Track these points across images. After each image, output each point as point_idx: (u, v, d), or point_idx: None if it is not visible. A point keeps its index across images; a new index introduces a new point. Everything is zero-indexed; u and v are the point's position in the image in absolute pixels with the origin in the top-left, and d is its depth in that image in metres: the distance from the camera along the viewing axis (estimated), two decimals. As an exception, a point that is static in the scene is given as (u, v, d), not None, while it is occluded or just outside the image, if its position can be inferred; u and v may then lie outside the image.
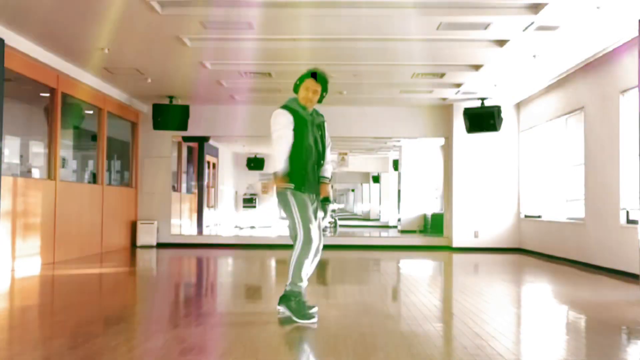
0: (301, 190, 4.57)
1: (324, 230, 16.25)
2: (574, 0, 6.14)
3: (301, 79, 4.70)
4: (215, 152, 18.09)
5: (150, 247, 11.72)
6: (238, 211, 21.65)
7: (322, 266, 8.88)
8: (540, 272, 8.52)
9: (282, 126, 4.57)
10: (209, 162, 17.20)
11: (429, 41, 7.61)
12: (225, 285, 7.33)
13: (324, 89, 4.72)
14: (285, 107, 4.67)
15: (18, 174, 8.37)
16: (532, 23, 6.77)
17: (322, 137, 4.77)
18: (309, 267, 4.61)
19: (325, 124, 4.86)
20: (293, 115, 4.61)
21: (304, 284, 4.59)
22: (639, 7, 6.29)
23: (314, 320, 4.46)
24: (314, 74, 4.68)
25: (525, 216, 11.62)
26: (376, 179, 25.17)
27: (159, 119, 11.09)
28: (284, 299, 4.57)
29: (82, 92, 9.63)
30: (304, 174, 4.59)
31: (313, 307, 4.76)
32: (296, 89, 4.72)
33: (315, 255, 4.71)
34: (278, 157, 4.55)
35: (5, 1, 6.32)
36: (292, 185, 4.56)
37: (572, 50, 8.06)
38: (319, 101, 4.74)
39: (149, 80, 9.86)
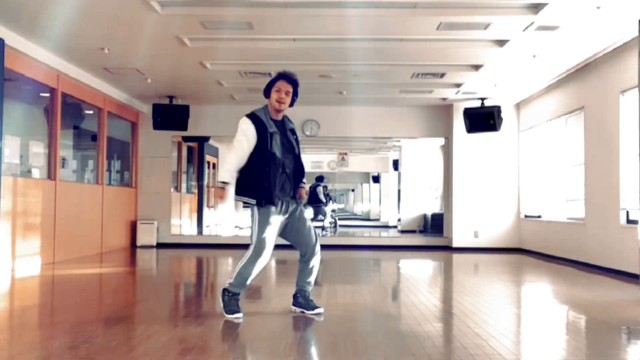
0: (264, 205, 4.56)
1: (324, 229, 16.15)
2: (574, 0, 6.14)
3: (271, 83, 4.68)
4: (215, 152, 18.08)
5: (150, 247, 11.72)
6: (238, 211, 21.63)
7: (322, 266, 8.87)
8: (540, 272, 8.51)
9: (241, 136, 4.57)
10: (209, 162, 17.19)
11: (429, 41, 7.62)
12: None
13: (295, 92, 4.71)
14: (251, 114, 4.67)
15: (18, 174, 8.37)
16: (532, 23, 6.77)
17: (297, 142, 4.79)
18: (253, 275, 4.68)
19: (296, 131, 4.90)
20: (256, 125, 4.59)
21: (244, 288, 4.72)
22: (639, 7, 6.29)
23: (237, 315, 4.61)
24: (284, 76, 4.67)
25: (525, 216, 11.62)
26: (376, 179, 25.17)
27: (159, 119, 11.09)
28: (223, 291, 4.73)
29: (82, 92, 9.64)
30: (269, 185, 4.54)
31: (318, 307, 4.81)
32: (267, 93, 4.70)
33: (311, 257, 4.80)
34: (226, 167, 4.59)
35: (6, 1, 6.32)
36: (253, 201, 4.57)
37: (572, 50, 8.07)
38: (291, 105, 4.74)
39: (149, 80, 9.86)
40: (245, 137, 4.58)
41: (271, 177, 4.54)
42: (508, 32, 7.20)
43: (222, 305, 4.72)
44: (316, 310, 4.79)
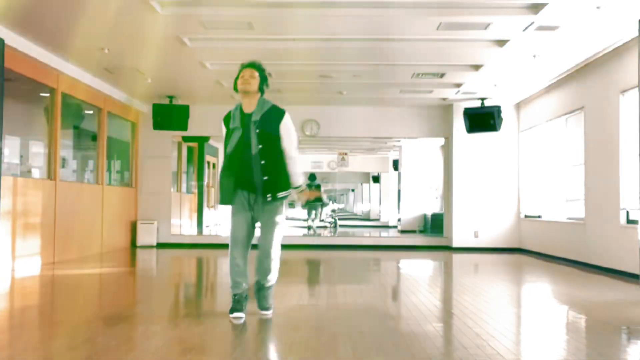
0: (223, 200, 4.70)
1: (325, 228, 16.17)
2: (574, 0, 6.14)
3: (237, 76, 4.70)
4: (215, 152, 18.08)
5: (150, 247, 11.72)
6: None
7: (322, 266, 8.87)
8: (540, 272, 8.52)
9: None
10: (209, 162, 17.19)
11: (429, 41, 7.61)
12: (225, 285, 7.31)
13: (262, 76, 4.68)
14: (228, 114, 4.74)
15: (18, 174, 8.37)
16: (532, 23, 6.77)
17: (260, 135, 4.54)
18: (236, 268, 4.63)
19: (283, 120, 4.63)
20: (226, 125, 4.71)
21: (238, 286, 4.63)
22: (639, 7, 6.29)
23: (236, 315, 4.56)
24: (246, 65, 4.70)
25: (525, 216, 11.62)
26: (376, 179, 25.17)
27: (159, 119, 11.09)
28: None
29: (82, 92, 9.64)
30: (223, 182, 4.64)
31: (268, 310, 4.72)
32: (235, 87, 4.70)
33: (260, 256, 4.67)
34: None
35: (6, 1, 6.32)
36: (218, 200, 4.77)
37: (572, 50, 8.06)
38: (261, 90, 4.66)
39: (149, 80, 9.86)
40: (222, 134, 4.79)
41: (223, 174, 4.65)
42: (508, 32, 7.19)
43: None
44: (262, 312, 4.72)
